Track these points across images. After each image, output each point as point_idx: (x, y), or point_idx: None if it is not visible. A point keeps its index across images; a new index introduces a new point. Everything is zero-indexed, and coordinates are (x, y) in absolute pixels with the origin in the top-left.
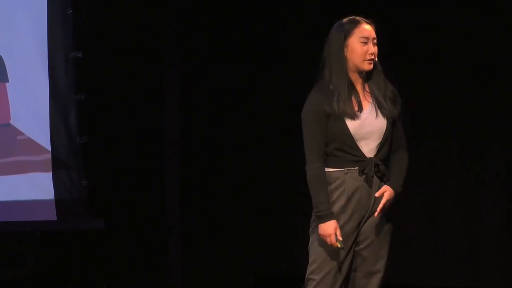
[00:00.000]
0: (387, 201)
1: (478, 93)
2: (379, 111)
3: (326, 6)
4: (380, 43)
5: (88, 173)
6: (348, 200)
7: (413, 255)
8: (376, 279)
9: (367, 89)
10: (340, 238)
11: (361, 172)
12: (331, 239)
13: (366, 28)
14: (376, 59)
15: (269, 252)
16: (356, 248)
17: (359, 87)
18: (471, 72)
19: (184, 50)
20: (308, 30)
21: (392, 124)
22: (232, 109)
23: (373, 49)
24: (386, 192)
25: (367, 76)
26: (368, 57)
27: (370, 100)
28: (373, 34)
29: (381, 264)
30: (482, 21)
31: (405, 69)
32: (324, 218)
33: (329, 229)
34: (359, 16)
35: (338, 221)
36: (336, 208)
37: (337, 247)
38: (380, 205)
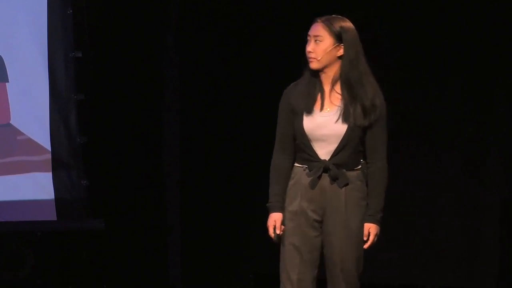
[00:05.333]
0: (374, 236)
1: (479, 95)
2: (342, 116)
3: (326, 6)
4: (379, 45)
5: (88, 173)
6: (302, 197)
7: (413, 255)
8: (339, 282)
9: (338, 91)
10: (278, 232)
11: (310, 172)
12: (269, 230)
13: (311, 27)
14: (322, 57)
15: (269, 252)
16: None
17: (327, 87)
18: (471, 73)
19: (184, 50)
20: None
21: (357, 133)
22: (232, 109)
23: (312, 47)
24: (371, 234)
25: (342, 78)
26: (307, 55)
27: (338, 104)
28: (315, 32)
29: (339, 269)
30: (483, 22)
31: (405, 70)
32: (270, 210)
33: (270, 220)
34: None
35: (294, 218)
36: (294, 204)
37: (273, 239)
38: (369, 243)
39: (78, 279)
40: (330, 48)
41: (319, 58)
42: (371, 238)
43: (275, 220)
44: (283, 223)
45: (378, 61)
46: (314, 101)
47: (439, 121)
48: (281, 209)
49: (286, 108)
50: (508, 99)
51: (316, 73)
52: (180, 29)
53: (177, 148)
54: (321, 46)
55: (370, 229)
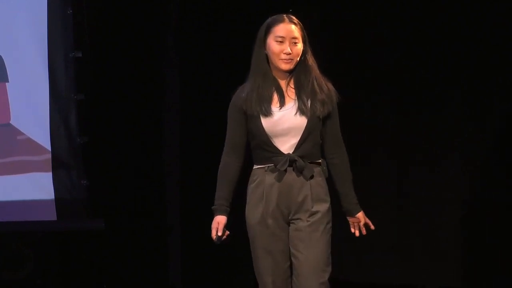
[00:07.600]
0: (364, 223)
1: (479, 95)
2: (299, 109)
3: (326, 7)
4: (378, 45)
5: (88, 173)
6: (267, 197)
7: (413, 255)
8: (306, 280)
9: (292, 85)
10: (220, 234)
11: (275, 167)
12: (212, 233)
13: (285, 27)
14: (297, 58)
15: None
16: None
17: (283, 83)
18: (471, 73)
19: (184, 50)
20: (309, 30)
21: (316, 123)
22: None
23: (291, 49)
24: (361, 222)
25: (296, 73)
26: (283, 56)
27: (294, 97)
28: (293, 34)
29: (306, 267)
30: (483, 22)
31: (405, 70)
32: (214, 213)
33: (213, 223)
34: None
35: (261, 221)
36: (259, 206)
37: (215, 241)
38: (360, 231)
39: (78, 279)
40: (302, 49)
41: (297, 59)
42: (368, 221)
43: (218, 222)
44: (225, 226)
45: (378, 61)
46: (270, 100)
47: (439, 121)
48: (225, 212)
49: (236, 111)
50: (508, 99)
51: (270, 73)
52: (180, 29)
53: (177, 148)
54: (299, 47)
55: (363, 215)
